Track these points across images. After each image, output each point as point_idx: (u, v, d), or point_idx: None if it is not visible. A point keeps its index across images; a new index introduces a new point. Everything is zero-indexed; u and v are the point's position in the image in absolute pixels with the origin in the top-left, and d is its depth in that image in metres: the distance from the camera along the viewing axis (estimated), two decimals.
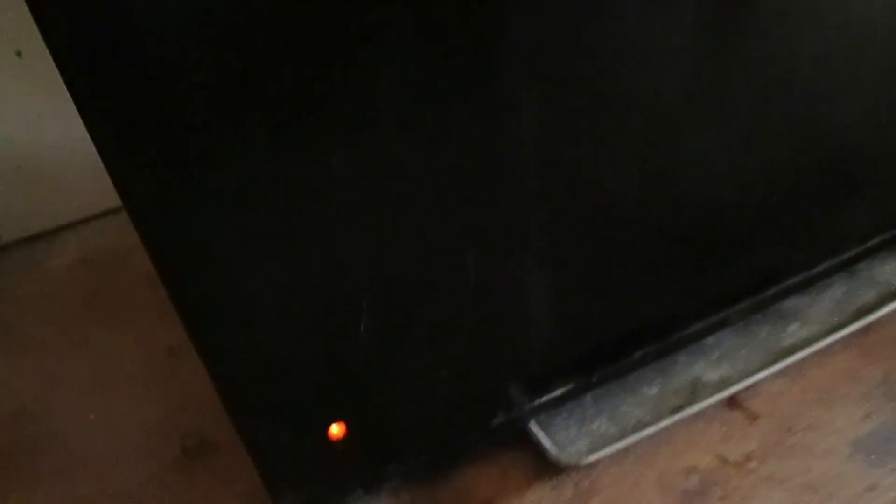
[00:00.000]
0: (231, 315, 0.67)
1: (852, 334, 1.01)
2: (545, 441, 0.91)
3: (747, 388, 0.98)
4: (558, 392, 0.92)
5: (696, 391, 0.98)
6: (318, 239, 0.66)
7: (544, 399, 0.91)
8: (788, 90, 0.81)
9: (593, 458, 0.89)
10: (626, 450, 0.93)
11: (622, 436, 0.92)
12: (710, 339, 1.04)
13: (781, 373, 0.99)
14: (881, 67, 0.86)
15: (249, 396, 0.74)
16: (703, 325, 0.99)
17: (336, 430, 0.78)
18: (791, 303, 1.07)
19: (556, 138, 0.71)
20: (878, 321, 1.03)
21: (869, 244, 1.07)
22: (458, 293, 0.76)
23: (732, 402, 0.98)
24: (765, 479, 0.88)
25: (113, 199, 1.49)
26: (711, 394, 0.96)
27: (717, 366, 1.01)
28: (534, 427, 0.93)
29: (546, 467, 0.92)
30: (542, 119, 0.68)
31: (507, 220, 0.73)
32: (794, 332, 1.04)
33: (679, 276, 0.93)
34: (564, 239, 0.79)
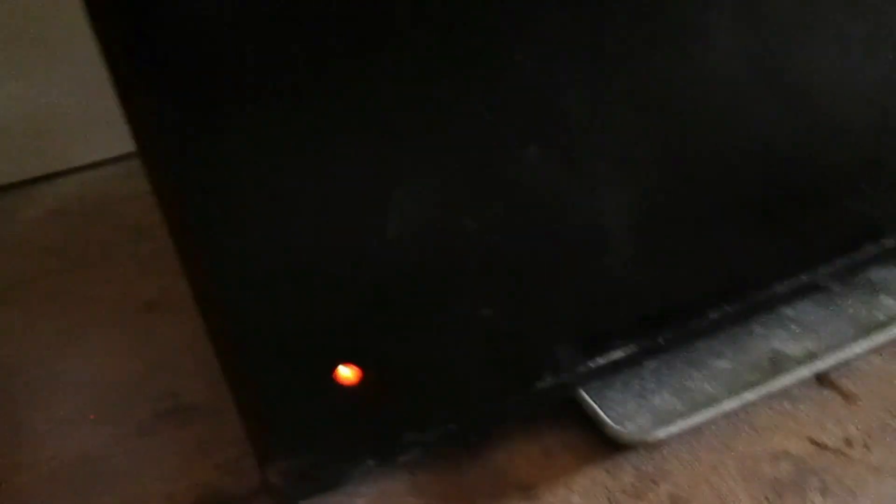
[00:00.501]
0: (225, 217, 0.52)
1: None
2: (601, 413, 0.74)
3: (839, 366, 0.81)
4: (618, 354, 0.75)
5: (776, 366, 0.82)
6: (347, 116, 0.51)
7: (600, 362, 0.74)
8: None
9: (663, 434, 0.72)
10: (698, 430, 0.76)
11: (692, 412, 0.75)
12: (789, 311, 0.88)
13: (877, 349, 0.83)
14: None
15: (243, 327, 0.58)
16: (785, 287, 0.83)
17: (346, 374, 0.61)
18: (879, 273, 0.92)
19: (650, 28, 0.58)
20: None
21: None
22: (511, 200, 0.59)
23: (823, 380, 0.81)
24: (873, 469, 0.71)
25: (93, 153, 1.37)
26: (797, 369, 0.80)
27: (800, 339, 0.85)
28: (585, 396, 0.76)
29: (599, 447, 0.75)
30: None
31: (587, 110, 0.57)
32: (887, 304, 0.88)
33: (766, 226, 0.77)
34: (650, 152, 0.63)
